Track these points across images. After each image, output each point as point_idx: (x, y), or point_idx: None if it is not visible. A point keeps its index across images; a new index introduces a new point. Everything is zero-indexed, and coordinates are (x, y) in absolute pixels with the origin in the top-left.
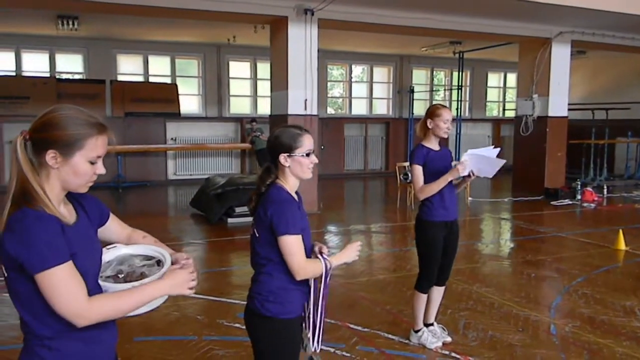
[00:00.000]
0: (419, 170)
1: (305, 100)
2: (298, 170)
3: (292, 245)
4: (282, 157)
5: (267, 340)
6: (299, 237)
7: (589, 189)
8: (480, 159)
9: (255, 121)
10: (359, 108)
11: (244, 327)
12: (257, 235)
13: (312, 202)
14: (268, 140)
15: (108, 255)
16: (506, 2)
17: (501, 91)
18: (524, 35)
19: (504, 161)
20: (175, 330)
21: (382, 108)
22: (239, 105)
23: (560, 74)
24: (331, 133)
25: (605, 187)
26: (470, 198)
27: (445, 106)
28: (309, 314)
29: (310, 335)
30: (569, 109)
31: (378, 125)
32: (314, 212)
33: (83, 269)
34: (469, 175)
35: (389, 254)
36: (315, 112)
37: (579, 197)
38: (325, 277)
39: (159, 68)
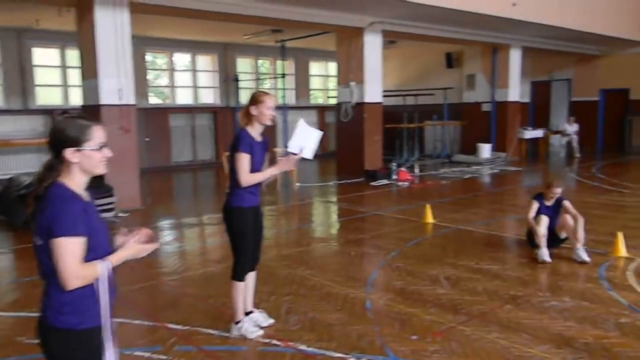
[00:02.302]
0: (246, 158)
1: (120, 89)
2: (88, 166)
3: (65, 248)
4: (69, 152)
5: (64, 356)
6: (79, 240)
7: (403, 169)
8: (307, 133)
9: (68, 113)
10: (185, 97)
11: None
12: (40, 243)
13: (134, 197)
14: (49, 134)
15: None
16: None
17: (324, 79)
18: (339, 25)
19: (321, 132)
20: None
21: (208, 97)
22: (48, 96)
23: (374, 62)
24: (156, 124)
25: (417, 166)
26: (297, 183)
27: (268, 93)
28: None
29: (105, 347)
30: (383, 96)
31: (205, 115)
32: (137, 208)
33: None
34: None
35: (218, 245)
36: (132, 102)
37: (394, 177)
38: (109, 279)
39: None
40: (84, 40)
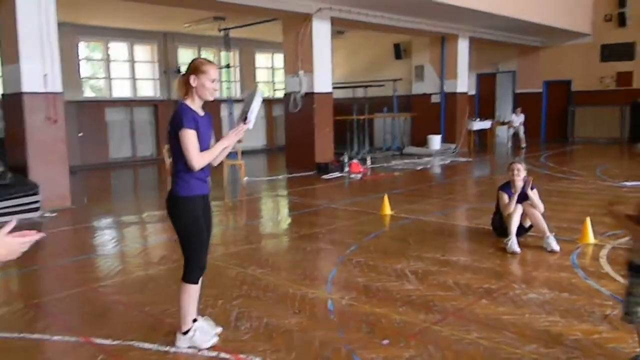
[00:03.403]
0: (193, 135)
1: (45, 75)
2: None
3: None
4: None
5: None
6: None
7: (355, 161)
8: (258, 102)
9: None
10: (123, 90)
11: None
12: None
13: (64, 195)
14: None
15: None
16: None
17: (270, 72)
18: (285, 10)
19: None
20: None
21: (148, 90)
22: None
23: (323, 51)
24: (90, 118)
25: (368, 158)
26: (246, 178)
27: (212, 62)
28: None
29: None
30: (332, 88)
31: (145, 109)
32: (67, 207)
33: None
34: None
35: (158, 244)
36: (59, 90)
37: (347, 169)
38: None
39: None
40: (4, 20)
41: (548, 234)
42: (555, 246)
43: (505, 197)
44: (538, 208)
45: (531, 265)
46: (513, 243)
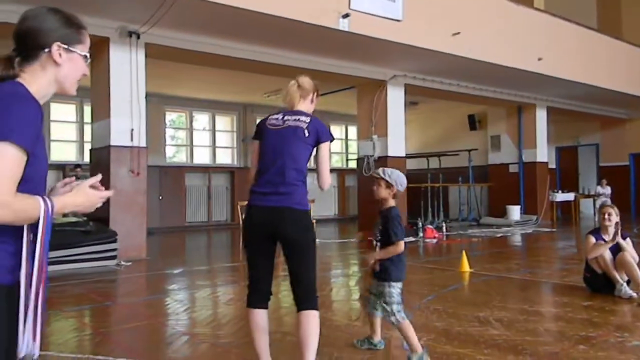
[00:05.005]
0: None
1: (132, 130)
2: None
3: (4, 159)
4: (56, 48)
5: None
6: (21, 154)
7: (430, 227)
8: None
9: (80, 167)
10: (202, 157)
11: None
12: None
13: (140, 246)
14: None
15: None
16: (338, 36)
17: (343, 143)
18: (361, 77)
19: None
20: None
21: (226, 157)
22: (62, 151)
23: (396, 116)
24: (171, 182)
25: (444, 226)
26: (318, 240)
27: None
28: (22, 287)
29: (21, 324)
30: (406, 157)
31: (222, 175)
32: (141, 257)
33: None
34: None
35: (226, 289)
36: (144, 144)
37: (421, 234)
38: (45, 224)
39: None
40: (98, 79)
41: None
42: None
43: (592, 239)
44: (634, 257)
45: (632, 317)
46: (625, 287)
